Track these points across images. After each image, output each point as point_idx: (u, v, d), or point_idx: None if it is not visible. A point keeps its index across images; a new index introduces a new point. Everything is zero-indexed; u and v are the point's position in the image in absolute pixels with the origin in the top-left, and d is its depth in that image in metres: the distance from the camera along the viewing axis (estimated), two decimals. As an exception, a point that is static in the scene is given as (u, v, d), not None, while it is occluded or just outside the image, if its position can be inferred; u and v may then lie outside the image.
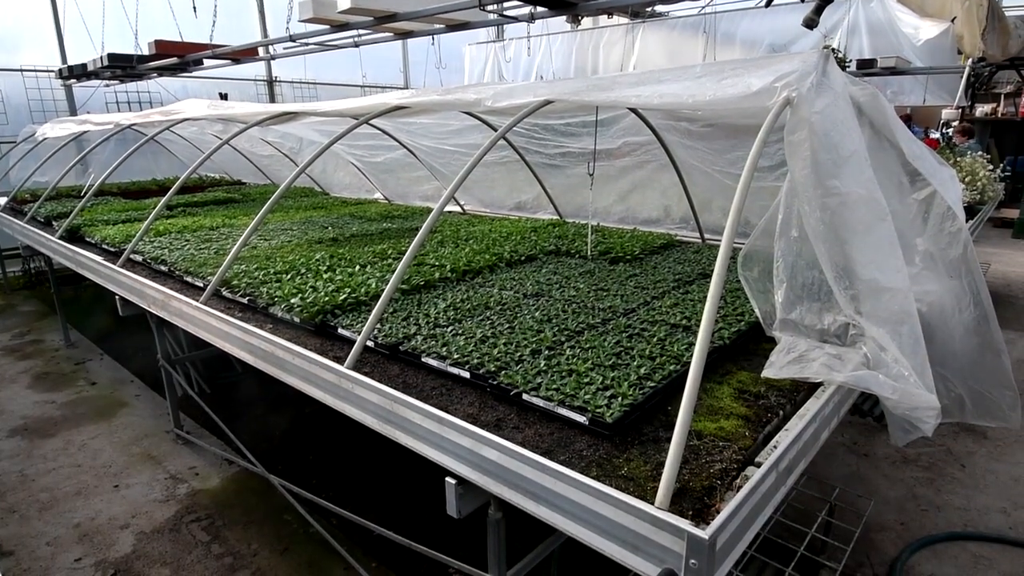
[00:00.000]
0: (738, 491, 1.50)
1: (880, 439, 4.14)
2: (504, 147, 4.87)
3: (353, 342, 2.39)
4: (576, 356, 2.22)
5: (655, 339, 2.37)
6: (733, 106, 2.08)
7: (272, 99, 11.96)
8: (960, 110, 8.32)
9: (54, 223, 5.51)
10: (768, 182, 3.13)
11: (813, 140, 1.91)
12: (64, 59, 9.52)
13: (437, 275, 3.31)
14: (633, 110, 3.71)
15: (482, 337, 2.43)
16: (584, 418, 1.82)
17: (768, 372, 2.03)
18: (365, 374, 2.23)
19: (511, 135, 4.67)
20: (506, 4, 5.44)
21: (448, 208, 5.95)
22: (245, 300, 3.13)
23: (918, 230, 2.54)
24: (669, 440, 1.53)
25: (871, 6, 9.61)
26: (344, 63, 11.53)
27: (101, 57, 8.06)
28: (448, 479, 1.88)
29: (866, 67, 8.65)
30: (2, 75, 9.07)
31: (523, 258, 3.81)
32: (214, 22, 8.22)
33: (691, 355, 1.69)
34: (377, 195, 7.11)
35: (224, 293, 3.27)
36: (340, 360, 2.33)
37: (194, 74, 9.48)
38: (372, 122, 4.17)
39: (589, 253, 3.89)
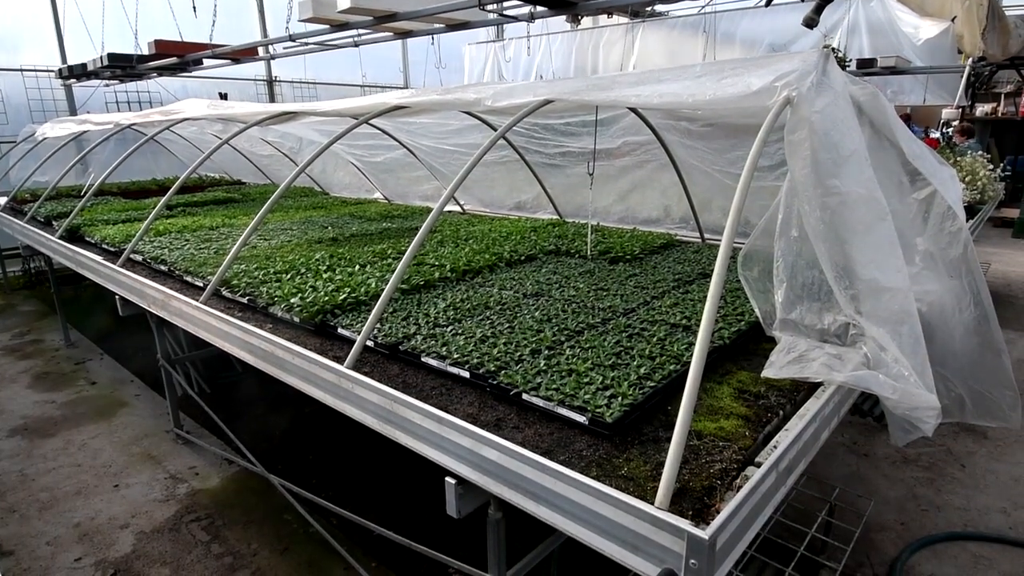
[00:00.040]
0: (738, 491, 1.50)
1: (880, 439, 4.14)
2: (504, 147, 4.87)
3: (353, 342, 2.39)
4: (576, 356, 2.22)
5: (655, 339, 2.37)
6: (733, 105, 2.08)
7: (272, 99, 11.96)
8: (960, 110, 8.32)
9: (54, 223, 5.51)
10: (768, 182, 3.13)
11: (813, 139, 1.90)
12: (64, 59, 9.52)
13: (437, 275, 3.31)
14: (633, 110, 3.71)
15: (482, 337, 2.42)
16: (584, 418, 1.82)
17: (768, 372, 2.03)
18: (365, 374, 2.23)
19: (511, 135, 4.67)
20: (506, 4, 5.44)
21: (448, 208, 5.95)
22: (245, 300, 3.12)
23: (918, 230, 2.54)
24: (669, 440, 1.53)
25: (871, 5, 9.61)
26: (344, 63, 11.54)
27: (101, 57, 8.06)
28: (448, 479, 1.88)
29: (866, 66, 8.65)
30: (2, 75, 9.07)
31: (523, 258, 3.81)
32: (214, 22, 8.23)
33: (691, 355, 1.69)
34: (377, 195, 7.11)
35: (224, 293, 3.27)
36: (340, 360, 2.33)
37: (194, 74, 9.48)
38: (372, 122, 4.17)
39: (589, 253, 3.89)
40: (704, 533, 1.33)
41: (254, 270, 3.45)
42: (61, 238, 4.97)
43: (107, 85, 9.73)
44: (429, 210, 4.90)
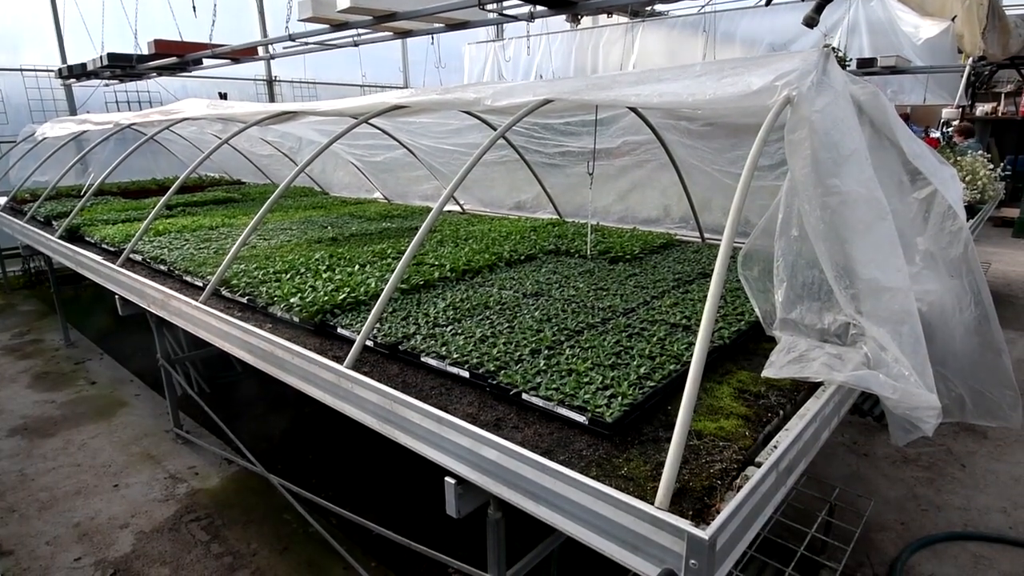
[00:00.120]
0: (738, 491, 1.50)
1: (880, 439, 4.13)
2: (504, 146, 4.86)
3: (352, 342, 2.39)
4: (576, 356, 2.22)
5: (655, 339, 2.36)
6: (733, 105, 2.07)
7: (271, 99, 11.95)
8: (960, 109, 8.32)
9: (54, 223, 5.51)
10: (768, 181, 3.13)
11: (813, 139, 1.90)
12: (64, 59, 9.52)
13: (436, 274, 3.31)
14: (633, 109, 3.71)
15: (481, 337, 2.42)
16: (584, 418, 1.81)
17: (768, 372, 2.03)
18: (364, 374, 2.22)
19: (511, 134, 4.66)
20: (505, 3, 5.44)
21: (447, 207, 5.95)
22: (244, 300, 3.12)
23: (919, 229, 2.53)
24: (669, 440, 1.53)
25: (871, 5, 9.60)
26: (343, 63, 11.53)
27: (101, 57, 8.06)
28: (447, 479, 1.87)
29: (866, 66, 8.64)
30: (2, 75, 9.07)
31: (523, 257, 3.80)
32: (213, 22, 8.22)
33: (691, 355, 1.69)
34: (376, 194, 7.11)
35: (223, 292, 3.27)
36: (339, 360, 2.32)
37: (193, 74, 9.48)
38: (371, 121, 4.17)
39: (589, 252, 3.88)
40: (704, 533, 1.33)
41: (254, 270, 3.45)
42: (61, 238, 4.97)
43: (107, 85, 9.73)
44: (429, 210, 4.90)
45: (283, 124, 4.57)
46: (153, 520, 3.45)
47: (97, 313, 6.77)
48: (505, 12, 5.65)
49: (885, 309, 1.96)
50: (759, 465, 1.61)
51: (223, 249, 4.03)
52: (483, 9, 5.11)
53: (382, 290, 2.57)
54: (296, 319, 2.79)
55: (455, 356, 2.24)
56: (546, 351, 2.28)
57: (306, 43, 7.32)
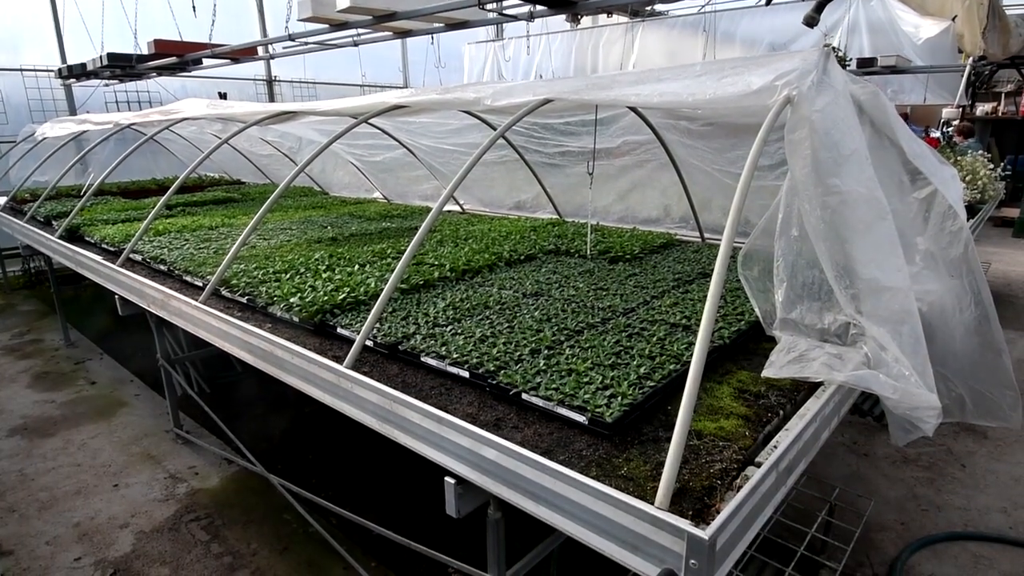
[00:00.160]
0: (738, 491, 1.50)
1: (880, 439, 4.13)
2: (503, 146, 4.86)
3: (352, 341, 2.39)
4: (576, 355, 2.22)
5: (655, 338, 2.36)
6: (733, 105, 2.07)
7: (271, 98, 11.95)
8: (960, 109, 8.31)
9: (54, 222, 5.51)
10: (768, 181, 3.13)
11: (814, 138, 1.90)
12: (64, 59, 9.52)
13: (436, 274, 3.30)
14: (633, 109, 3.71)
15: (481, 336, 2.42)
16: (584, 418, 1.81)
17: (768, 372, 2.03)
18: (364, 373, 2.22)
19: (510, 134, 4.66)
20: (505, 3, 5.44)
21: (447, 207, 5.95)
22: (244, 299, 3.12)
23: (919, 229, 2.53)
24: (669, 440, 1.53)
25: (871, 5, 9.60)
26: (343, 62, 11.53)
27: (100, 57, 8.06)
28: (447, 479, 1.87)
29: (866, 66, 8.64)
30: (2, 75, 9.07)
31: (522, 257, 3.80)
32: (213, 21, 8.22)
33: (691, 354, 1.68)
34: (376, 194, 7.11)
35: (223, 292, 3.27)
36: (339, 359, 2.32)
37: (193, 74, 9.48)
38: (371, 121, 4.17)
39: (588, 252, 3.88)
40: (704, 533, 1.33)
41: (253, 270, 3.45)
42: (61, 238, 4.97)
43: (107, 85, 9.73)
44: (428, 210, 4.90)
45: (283, 124, 4.57)
46: (153, 520, 3.45)
47: (97, 313, 6.77)
48: (505, 12, 5.64)
49: (885, 309, 1.96)
50: (759, 465, 1.61)
51: (223, 249, 4.03)
52: (483, 9, 5.11)
53: (382, 290, 2.57)
54: (296, 319, 2.79)
55: (455, 356, 2.24)
56: (546, 351, 2.28)
57: (306, 43, 7.32)
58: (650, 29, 11.97)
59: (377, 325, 2.57)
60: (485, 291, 3.08)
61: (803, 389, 2.06)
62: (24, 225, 5.72)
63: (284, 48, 7.98)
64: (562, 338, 2.41)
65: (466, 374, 2.16)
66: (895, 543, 3.16)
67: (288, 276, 3.35)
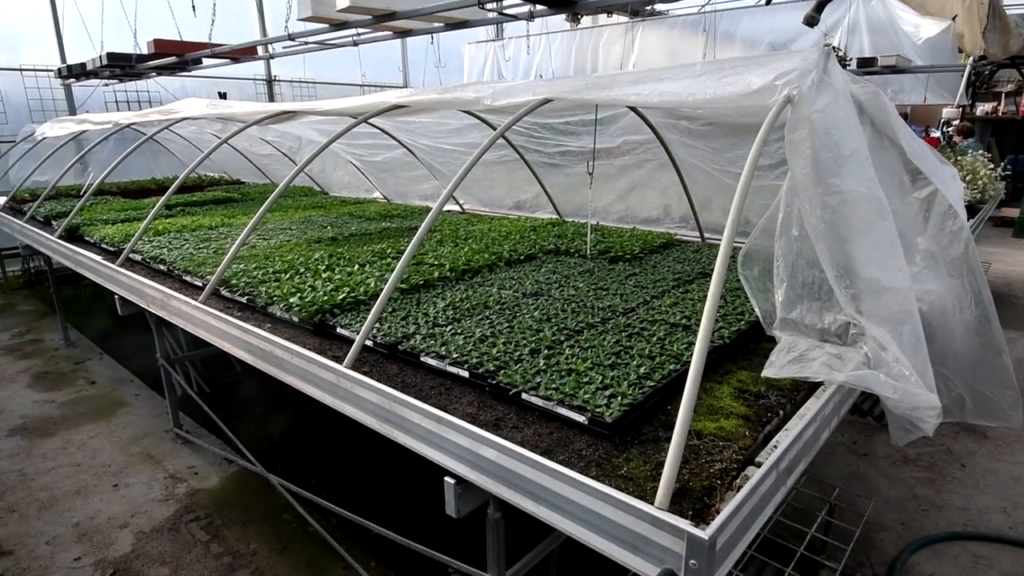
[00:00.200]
0: (738, 491, 1.49)
1: (880, 439, 4.13)
2: (503, 146, 4.86)
3: (352, 341, 2.38)
4: (575, 355, 2.21)
5: (655, 338, 2.36)
6: (733, 104, 2.07)
7: (271, 98, 11.95)
8: (961, 109, 8.31)
9: (53, 222, 5.51)
10: (768, 181, 3.12)
11: (814, 138, 1.90)
12: (63, 58, 9.51)
13: (436, 274, 3.30)
14: (633, 109, 3.70)
15: (481, 336, 2.42)
16: (583, 418, 1.81)
17: (768, 372, 2.03)
18: (364, 373, 2.22)
19: (510, 134, 4.66)
20: (505, 2, 5.43)
21: (447, 207, 5.95)
22: (244, 299, 3.12)
23: (919, 229, 2.53)
24: (669, 440, 1.53)
25: (872, 4, 9.60)
26: (343, 62, 11.53)
27: (100, 56, 8.06)
28: (447, 479, 1.87)
29: (866, 65, 8.63)
30: (2, 75, 9.07)
31: (522, 257, 3.80)
32: (213, 21, 8.22)
33: (691, 354, 1.68)
34: (376, 194, 7.11)
35: (223, 292, 3.27)
36: (339, 359, 2.32)
37: (193, 73, 9.47)
38: (371, 121, 4.17)
39: (588, 252, 3.88)
40: (704, 533, 1.32)
41: (253, 270, 3.45)
42: (60, 238, 4.96)
43: (106, 85, 9.73)
44: (428, 209, 4.89)
45: (283, 124, 4.57)
46: (153, 520, 3.45)
47: (97, 313, 6.77)
48: (505, 11, 5.64)
49: (885, 309, 1.95)
50: (759, 465, 1.60)
51: (222, 249, 4.03)
52: (483, 8, 5.11)
53: (381, 290, 2.57)
54: (295, 319, 2.78)
55: (455, 356, 2.24)
56: (546, 351, 2.28)
57: (305, 42, 7.32)
58: (650, 29, 11.97)
59: (377, 325, 2.57)
60: (485, 291, 3.08)
61: (803, 389, 2.06)
62: (24, 225, 5.72)
63: (284, 48, 7.98)
64: (562, 338, 2.40)
65: (466, 374, 2.16)
66: (895, 543, 3.16)
67: (288, 276, 3.35)
